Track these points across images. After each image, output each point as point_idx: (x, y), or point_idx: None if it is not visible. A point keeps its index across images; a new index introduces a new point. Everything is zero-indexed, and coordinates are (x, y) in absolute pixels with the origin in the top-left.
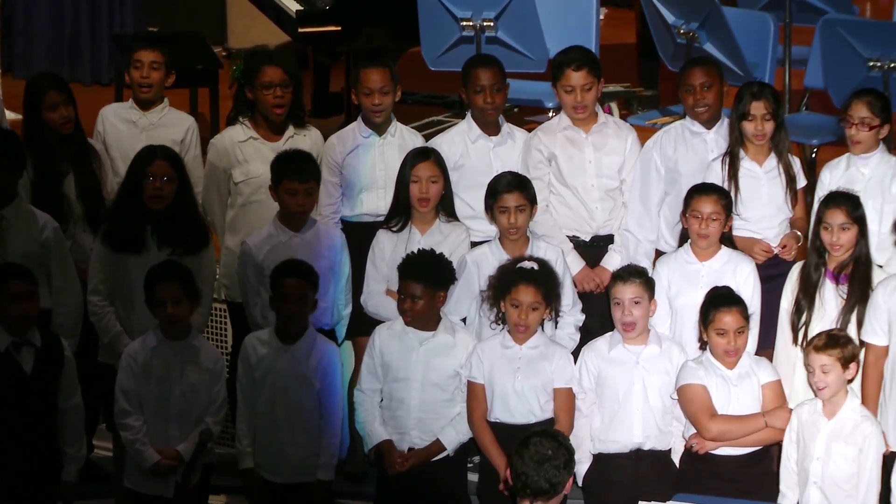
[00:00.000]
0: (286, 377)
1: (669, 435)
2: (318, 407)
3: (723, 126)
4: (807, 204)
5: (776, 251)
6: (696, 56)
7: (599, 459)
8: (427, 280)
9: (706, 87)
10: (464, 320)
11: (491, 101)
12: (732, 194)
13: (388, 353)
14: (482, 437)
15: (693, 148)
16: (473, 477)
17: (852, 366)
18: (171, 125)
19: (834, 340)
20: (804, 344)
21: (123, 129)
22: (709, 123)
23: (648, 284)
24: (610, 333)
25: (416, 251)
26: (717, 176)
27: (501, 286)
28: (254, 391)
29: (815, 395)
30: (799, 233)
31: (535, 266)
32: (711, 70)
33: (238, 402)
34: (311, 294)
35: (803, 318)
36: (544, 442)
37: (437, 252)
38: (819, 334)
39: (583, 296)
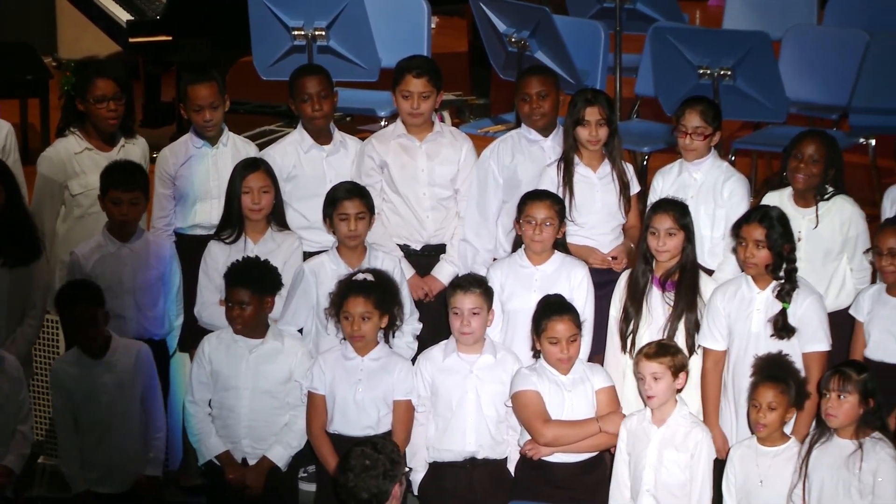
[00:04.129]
0: (106, 391)
1: (504, 444)
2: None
3: (559, 134)
4: (640, 211)
5: (611, 263)
6: (530, 65)
7: (434, 468)
8: (254, 286)
9: (542, 95)
10: (301, 331)
11: (319, 109)
12: (567, 200)
13: (218, 362)
14: (321, 448)
15: (531, 156)
16: (310, 487)
17: (682, 375)
18: None
19: (664, 349)
20: (632, 351)
21: None
22: (545, 131)
23: (488, 294)
24: (445, 342)
25: (240, 259)
26: (551, 181)
27: (337, 300)
28: (73, 414)
29: (645, 404)
30: (632, 244)
31: (370, 277)
32: (547, 79)
33: (58, 429)
34: (100, 312)
35: (631, 326)
36: (364, 452)
37: (263, 259)
38: (649, 343)
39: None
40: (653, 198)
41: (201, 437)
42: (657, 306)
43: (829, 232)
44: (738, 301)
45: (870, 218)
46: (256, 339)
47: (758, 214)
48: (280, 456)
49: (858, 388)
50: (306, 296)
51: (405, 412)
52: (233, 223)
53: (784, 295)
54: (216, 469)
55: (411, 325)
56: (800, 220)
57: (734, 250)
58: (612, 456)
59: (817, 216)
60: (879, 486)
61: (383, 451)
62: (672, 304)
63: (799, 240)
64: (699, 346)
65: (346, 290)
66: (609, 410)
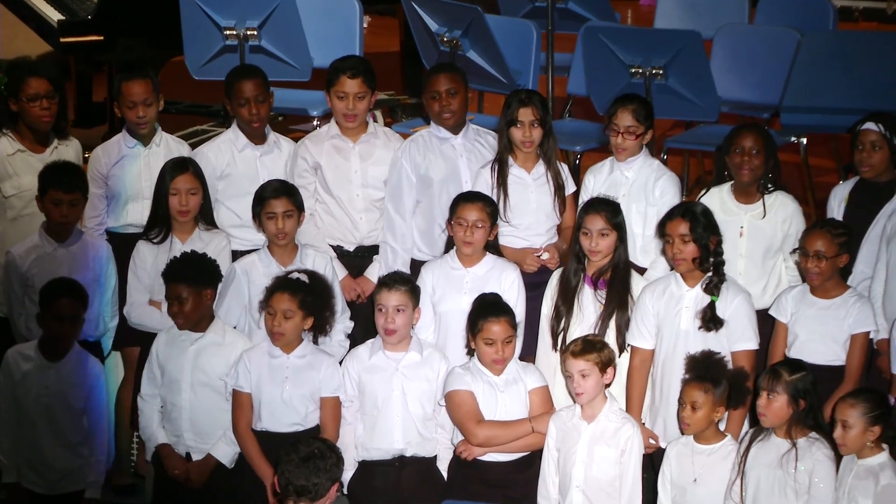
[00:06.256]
0: (51, 395)
1: (433, 442)
2: (83, 422)
3: (469, 130)
4: (576, 210)
5: (543, 257)
6: (440, 62)
7: (363, 466)
8: (190, 280)
9: (451, 93)
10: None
11: (256, 113)
12: (501, 201)
13: (164, 357)
14: (247, 446)
15: (442, 154)
16: None
17: (609, 370)
18: None
19: (591, 345)
20: (563, 349)
21: None
22: (455, 129)
23: (413, 293)
24: (372, 340)
25: (178, 255)
26: (486, 183)
27: (265, 297)
28: (16, 406)
29: (574, 402)
30: (564, 244)
31: (304, 278)
32: (456, 77)
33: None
34: (82, 313)
35: (562, 324)
36: (312, 442)
37: (201, 253)
38: (575, 340)
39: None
40: (584, 196)
41: (145, 430)
42: (589, 304)
43: (770, 227)
44: (666, 299)
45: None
46: (198, 333)
47: (680, 210)
48: (224, 453)
49: (788, 389)
50: (238, 294)
51: (333, 409)
52: (160, 223)
53: (712, 288)
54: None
55: (343, 323)
56: (742, 215)
57: (663, 251)
58: None
59: (764, 207)
60: (815, 487)
61: (335, 452)
62: (604, 302)
63: (742, 235)
64: (629, 344)
65: (274, 286)
66: (542, 411)
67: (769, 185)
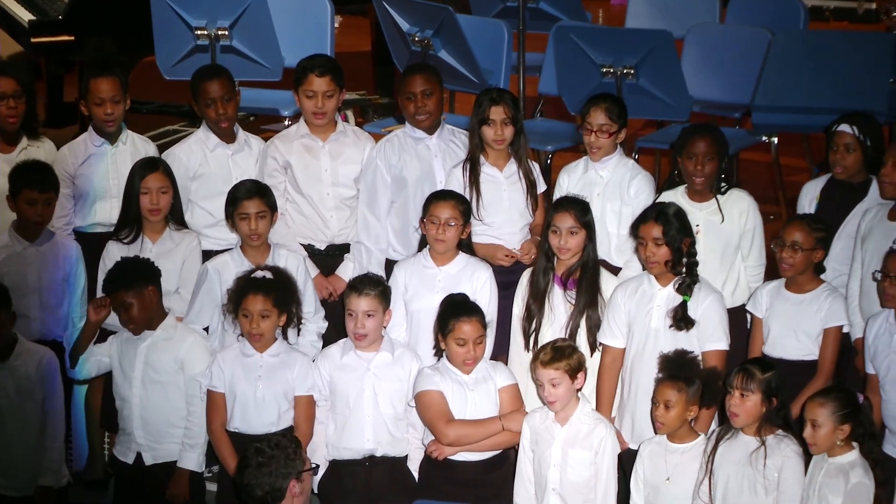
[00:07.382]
0: (5, 395)
1: (404, 442)
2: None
3: (444, 131)
4: (546, 210)
5: (517, 255)
6: (415, 63)
7: (334, 465)
8: (128, 285)
9: (427, 94)
10: (207, 330)
11: (223, 112)
12: (474, 200)
13: (116, 355)
14: (221, 446)
15: (417, 154)
16: (213, 487)
17: (580, 375)
18: None
19: (560, 352)
20: (535, 349)
21: None
22: (430, 129)
23: (384, 296)
24: (344, 340)
25: (112, 266)
26: (458, 182)
27: (235, 299)
28: None
29: (547, 408)
30: (540, 240)
31: (268, 275)
32: (431, 78)
33: None
34: (4, 314)
35: (534, 324)
36: (259, 449)
37: (133, 256)
38: (543, 347)
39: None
40: (559, 195)
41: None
42: (559, 304)
43: (728, 224)
44: (638, 297)
45: (773, 215)
46: (149, 331)
47: (653, 212)
48: (191, 460)
49: (761, 387)
50: (210, 294)
51: (307, 408)
52: (130, 223)
53: (685, 288)
54: (121, 466)
55: (316, 323)
56: (697, 213)
57: (636, 250)
58: (517, 453)
59: (721, 211)
60: (784, 483)
61: (278, 448)
62: (574, 302)
63: (697, 233)
64: (600, 343)
65: (244, 288)
66: (512, 408)
67: (722, 185)
